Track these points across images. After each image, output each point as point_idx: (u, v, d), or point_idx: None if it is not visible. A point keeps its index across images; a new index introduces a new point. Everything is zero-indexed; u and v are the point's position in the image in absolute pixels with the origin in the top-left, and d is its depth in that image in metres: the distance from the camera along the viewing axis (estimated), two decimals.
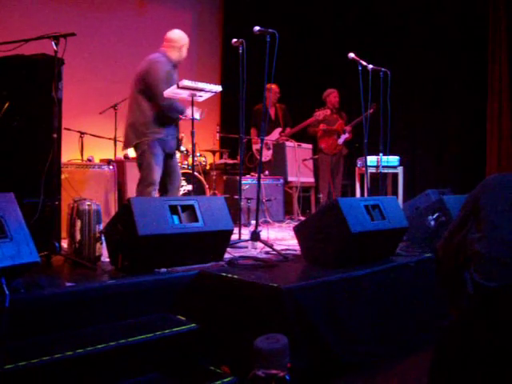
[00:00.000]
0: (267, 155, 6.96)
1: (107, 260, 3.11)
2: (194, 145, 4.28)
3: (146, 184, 4.29)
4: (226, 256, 3.31)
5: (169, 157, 4.51)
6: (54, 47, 3.12)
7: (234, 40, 4.20)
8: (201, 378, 2.47)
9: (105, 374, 2.25)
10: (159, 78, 4.27)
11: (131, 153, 6.13)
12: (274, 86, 6.71)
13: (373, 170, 5.80)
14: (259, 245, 3.85)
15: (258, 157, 6.87)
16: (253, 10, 8.44)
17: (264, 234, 4.23)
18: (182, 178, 5.25)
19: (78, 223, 3.11)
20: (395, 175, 6.52)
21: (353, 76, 4.86)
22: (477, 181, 2.08)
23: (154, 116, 4.32)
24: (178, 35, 4.47)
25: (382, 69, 4.94)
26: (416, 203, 4.73)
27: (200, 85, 4.10)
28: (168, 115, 4.35)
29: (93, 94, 7.23)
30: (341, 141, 6.79)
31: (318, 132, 6.85)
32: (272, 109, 7.14)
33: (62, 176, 3.81)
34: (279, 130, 7.12)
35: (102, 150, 6.40)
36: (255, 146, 7.09)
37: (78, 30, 3.16)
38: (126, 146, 4.53)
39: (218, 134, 7.13)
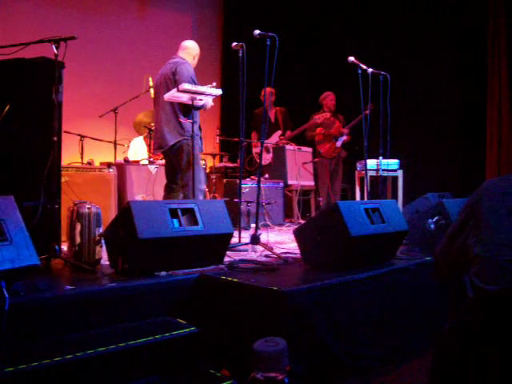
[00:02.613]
0: (267, 158, 6.97)
1: (107, 263, 3.11)
2: (194, 147, 4.28)
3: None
4: (226, 259, 3.31)
5: None
6: (55, 51, 3.12)
7: (234, 43, 4.21)
8: (201, 381, 2.47)
9: (105, 377, 2.25)
10: (187, 77, 4.46)
11: (131, 156, 6.16)
12: (267, 89, 6.75)
13: (373, 174, 5.80)
14: (259, 248, 3.85)
15: (258, 160, 6.88)
16: (253, 13, 8.46)
17: (264, 237, 4.23)
18: None
19: (78, 226, 3.11)
20: (395, 179, 6.53)
21: (353, 80, 4.87)
22: (476, 185, 2.07)
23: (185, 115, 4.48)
24: (193, 44, 4.82)
25: (382, 72, 4.95)
26: (416, 206, 4.73)
27: (200, 88, 4.11)
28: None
29: (93, 97, 7.24)
30: (339, 143, 6.81)
31: (317, 136, 6.86)
32: (271, 112, 7.15)
33: (62, 179, 3.82)
34: (279, 133, 7.14)
35: (102, 153, 6.41)
36: (255, 150, 7.10)
37: (79, 34, 3.16)
38: (162, 147, 4.59)
39: (217, 138, 7.14)
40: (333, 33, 8.39)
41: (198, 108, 4.44)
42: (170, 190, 4.75)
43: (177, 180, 4.70)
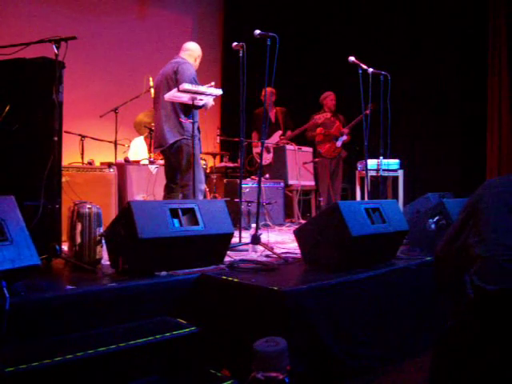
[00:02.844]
0: (267, 158, 6.96)
1: (107, 263, 3.11)
2: (194, 147, 4.29)
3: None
4: (227, 259, 3.31)
5: None
6: (55, 51, 3.12)
7: (235, 44, 4.21)
8: (201, 381, 2.47)
9: (105, 377, 2.25)
10: (188, 77, 4.44)
11: (131, 156, 6.16)
12: (268, 89, 6.80)
13: (373, 174, 5.80)
14: (259, 248, 3.85)
15: (259, 160, 6.88)
16: (253, 13, 8.46)
17: (264, 237, 4.22)
18: None
19: (79, 226, 3.11)
20: (395, 178, 6.53)
21: (353, 79, 4.87)
22: (477, 184, 2.07)
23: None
24: (195, 46, 4.81)
25: (383, 72, 4.95)
26: (416, 206, 4.73)
27: (200, 88, 4.11)
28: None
29: (93, 97, 7.25)
30: (339, 143, 6.81)
31: (317, 136, 6.87)
32: (272, 112, 7.15)
33: (63, 179, 3.82)
34: (279, 133, 7.14)
35: (102, 153, 6.41)
36: (255, 150, 7.10)
37: (79, 34, 3.16)
38: (162, 145, 4.59)
39: (218, 138, 7.14)
40: (333, 33, 8.39)
41: (199, 107, 4.45)
42: (169, 190, 4.76)
43: (176, 180, 4.71)
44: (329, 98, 6.94)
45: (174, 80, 4.46)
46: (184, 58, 4.65)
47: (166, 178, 4.81)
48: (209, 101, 4.43)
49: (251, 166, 7.25)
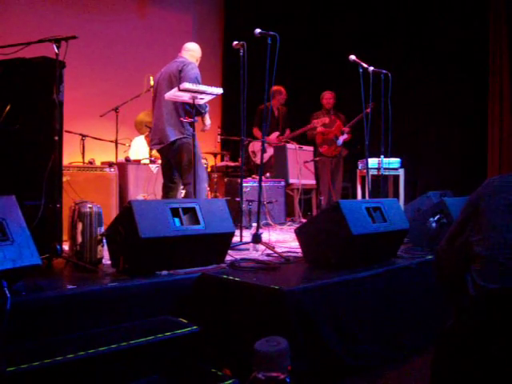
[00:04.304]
0: (264, 157, 6.92)
1: (108, 262, 3.11)
2: (195, 147, 4.29)
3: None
4: (228, 258, 3.31)
5: None
6: (56, 50, 3.12)
7: (235, 42, 4.21)
8: (202, 381, 2.48)
9: (106, 377, 2.26)
10: (193, 77, 4.44)
11: (132, 155, 6.15)
12: (283, 89, 6.84)
13: (374, 172, 5.80)
14: (260, 247, 3.85)
15: (254, 159, 6.88)
16: (254, 12, 8.45)
17: (265, 236, 4.22)
18: None
19: (80, 226, 3.11)
20: (396, 177, 6.52)
21: (354, 78, 4.86)
22: (478, 183, 2.07)
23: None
24: (196, 47, 4.81)
25: (383, 71, 4.94)
26: (417, 205, 4.73)
27: (201, 87, 4.11)
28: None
29: (94, 96, 7.24)
30: (340, 142, 6.81)
31: (318, 135, 6.86)
32: (276, 111, 7.13)
33: (64, 178, 3.82)
34: (277, 133, 7.10)
35: (103, 153, 6.41)
36: (251, 148, 7.03)
37: (80, 33, 3.16)
38: (163, 143, 4.58)
39: (219, 137, 7.12)
40: (333, 32, 8.37)
41: (201, 113, 4.47)
42: (168, 190, 4.72)
43: (175, 179, 4.68)
44: (325, 98, 6.97)
45: (177, 78, 4.44)
46: (187, 58, 4.64)
47: (164, 177, 4.77)
48: (207, 119, 4.60)
49: (246, 164, 7.18)
